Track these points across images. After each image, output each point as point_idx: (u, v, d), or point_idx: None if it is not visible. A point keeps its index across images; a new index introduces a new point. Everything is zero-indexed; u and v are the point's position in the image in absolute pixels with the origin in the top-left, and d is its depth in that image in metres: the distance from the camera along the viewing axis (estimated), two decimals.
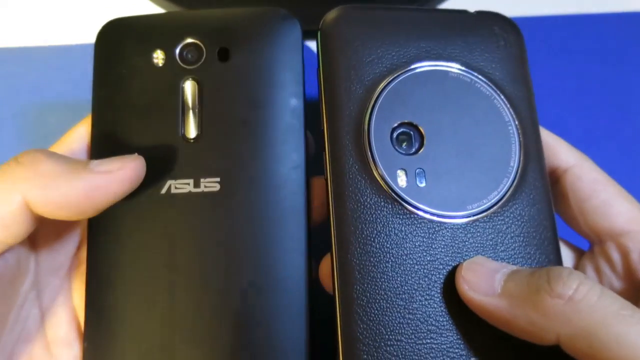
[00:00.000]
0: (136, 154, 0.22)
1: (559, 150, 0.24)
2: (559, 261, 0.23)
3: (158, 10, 0.37)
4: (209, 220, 0.23)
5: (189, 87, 0.24)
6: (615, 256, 0.23)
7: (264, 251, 0.23)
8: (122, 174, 0.21)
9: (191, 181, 0.23)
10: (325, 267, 0.23)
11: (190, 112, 0.24)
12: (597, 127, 0.35)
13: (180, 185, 0.23)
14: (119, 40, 0.25)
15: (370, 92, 0.23)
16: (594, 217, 0.23)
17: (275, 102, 0.24)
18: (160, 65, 0.25)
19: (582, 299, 0.18)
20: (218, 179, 0.23)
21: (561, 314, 0.18)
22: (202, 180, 0.23)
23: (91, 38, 0.37)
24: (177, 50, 0.25)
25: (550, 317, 0.18)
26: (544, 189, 0.23)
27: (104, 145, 0.24)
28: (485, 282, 0.20)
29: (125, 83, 0.25)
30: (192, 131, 0.24)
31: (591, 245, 0.25)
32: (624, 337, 0.17)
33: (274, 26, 0.25)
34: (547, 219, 0.23)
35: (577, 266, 0.25)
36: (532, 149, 0.23)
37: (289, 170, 0.24)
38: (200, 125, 0.24)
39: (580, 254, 0.25)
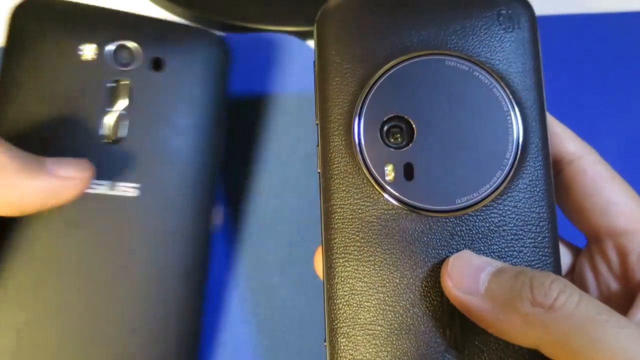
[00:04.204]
0: (87, 159, 0.22)
1: (565, 140, 0.24)
2: (555, 256, 0.22)
3: (157, 8, 0.36)
4: (114, 224, 0.24)
5: (116, 89, 0.24)
6: (613, 256, 0.23)
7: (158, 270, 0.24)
8: (78, 181, 0.21)
9: (107, 183, 0.24)
10: (318, 258, 0.23)
11: (113, 114, 0.24)
12: (597, 126, 0.35)
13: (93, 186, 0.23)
14: (43, 20, 0.24)
15: (361, 86, 0.23)
16: (595, 214, 0.23)
17: (196, 127, 0.25)
18: (89, 59, 0.24)
19: (560, 307, 0.18)
20: (138, 185, 0.24)
21: (540, 322, 0.18)
22: (117, 184, 0.24)
23: None
24: (112, 49, 0.24)
25: (530, 324, 0.18)
26: (544, 182, 0.22)
27: (13, 131, 0.23)
28: (469, 280, 0.20)
29: (44, 70, 0.23)
30: (112, 133, 0.24)
31: (589, 242, 0.24)
32: (600, 341, 0.17)
33: (208, 50, 0.26)
34: (545, 212, 0.22)
35: (575, 264, 0.25)
36: (534, 141, 0.22)
37: (198, 200, 0.25)
38: (118, 129, 0.24)
39: (577, 252, 0.25)
